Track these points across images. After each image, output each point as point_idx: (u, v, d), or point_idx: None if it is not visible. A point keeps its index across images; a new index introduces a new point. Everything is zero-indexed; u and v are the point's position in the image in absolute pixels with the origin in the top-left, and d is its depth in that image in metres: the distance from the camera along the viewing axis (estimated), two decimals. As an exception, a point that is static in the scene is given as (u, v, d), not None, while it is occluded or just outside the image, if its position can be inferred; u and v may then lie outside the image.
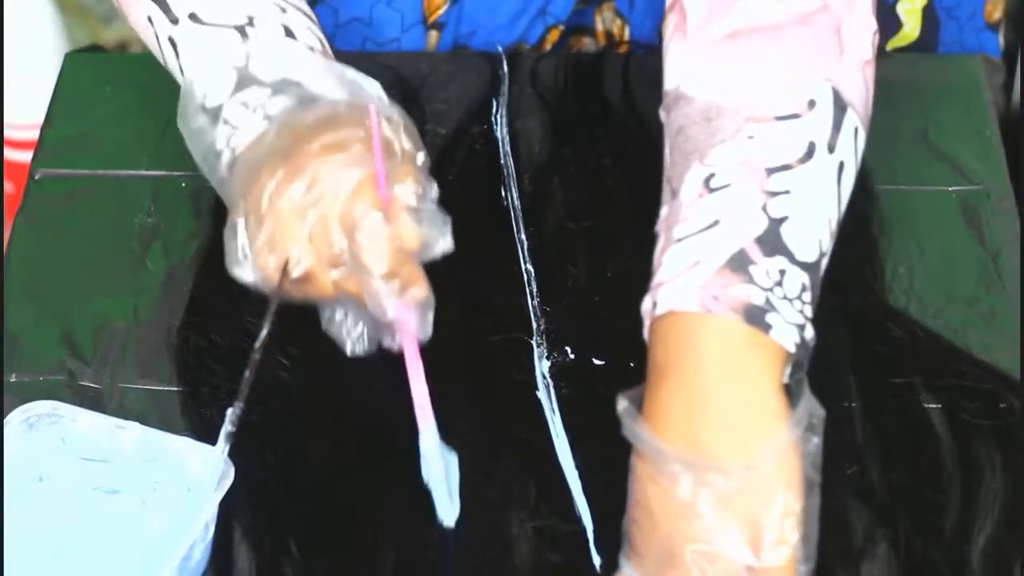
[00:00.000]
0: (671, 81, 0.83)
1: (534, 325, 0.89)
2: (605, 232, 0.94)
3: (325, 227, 0.79)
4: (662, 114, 0.84)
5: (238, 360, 0.82)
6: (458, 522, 0.79)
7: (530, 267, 0.92)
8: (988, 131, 1.00)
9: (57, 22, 1.67)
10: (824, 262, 0.78)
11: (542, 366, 0.87)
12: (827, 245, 0.78)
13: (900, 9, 1.09)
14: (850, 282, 0.90)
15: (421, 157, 0.83)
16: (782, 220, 0.76)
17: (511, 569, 0.78)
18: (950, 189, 0.97)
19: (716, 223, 0.76)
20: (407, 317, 0.80)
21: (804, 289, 0.75)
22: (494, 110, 1.02)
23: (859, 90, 0.80)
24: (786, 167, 0.77)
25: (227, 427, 0.78)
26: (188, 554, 0.75)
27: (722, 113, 0.79)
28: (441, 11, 1.08)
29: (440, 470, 0.79)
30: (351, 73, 0.85)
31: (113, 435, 0.80)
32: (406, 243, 0.80)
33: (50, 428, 0.80)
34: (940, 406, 0.85)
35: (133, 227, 0.96)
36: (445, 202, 0.96)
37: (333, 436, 0.84)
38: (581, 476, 0.81)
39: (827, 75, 0.79)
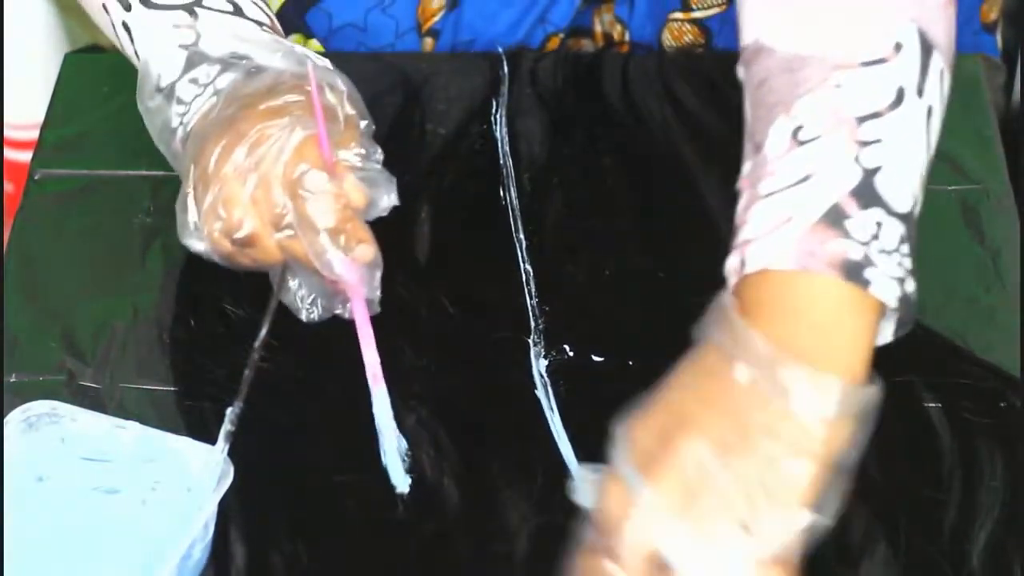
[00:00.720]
0: (749, 35, 0.81)
1: (532, 324, 0.89)
2: (604, 232, 0.94)
3: (267, 188, 0.80)
4: (740, 70, 0.82)
5: (238, 360, 0.82)
6: (458, 521, 0.79)
7: (529, 267, 0.92)
8: (988, 131, 1.00)
9: (57, 22, 1.67)
10: (918, 211, 0.75)
11: (540, 365, 0.87)
12: (920, 194, 0.75)
13: None
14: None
15: (364, 123, 0.84)
16: (876, 170, 0.73)
17: (513, 566, 0.78)
18: (950, 189, 0.97)
19: (807, 177, 0.73)
20: (354, 275, 0.80)
21: (902, 241, 0.73)
22: (494, 110, 1.02)
23: (944, 30, 0.78)
24: (876, 115, 0.74)
25: (227, 427, 0.78)
26: (188, 553, 0.75)
27: (806, 63, 0.76)
28: (437, 18, 1.08)
29: (392, 435, 0.79)
30: (299, 48, 0.86)
31: (113, 435, 0.80)
32: (352, 200, 0.81)
33: (50, 428, 0.80)
34: (940, 405, 0.85)
35: (133, 227, 0.96)
36: (445, 201, 0.97)
37: (330, 436, 0.84)
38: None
39: (912, 15, 0.77)
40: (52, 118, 1.04)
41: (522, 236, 0.94)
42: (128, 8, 0.88)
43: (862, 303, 0.72)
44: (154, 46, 0.87)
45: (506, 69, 1.05)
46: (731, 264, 0.75)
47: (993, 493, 0.80)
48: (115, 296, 0.92)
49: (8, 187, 1.59)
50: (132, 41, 0.89)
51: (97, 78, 1.07)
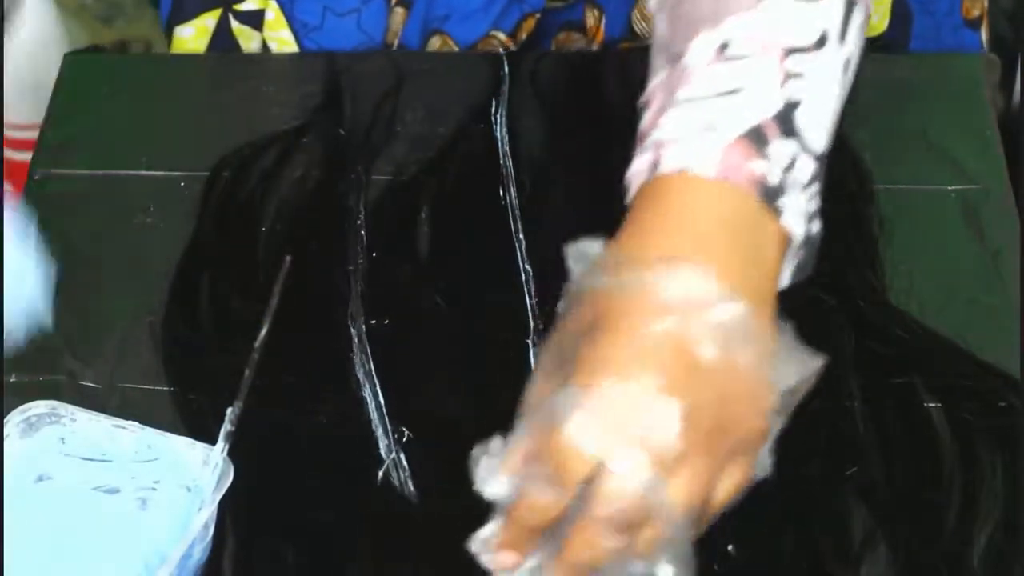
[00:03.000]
0: None
1: (532, 325, 0.89)
2: (605, 232, 0.94)
3: None
4: (652, 1, 0.80)
5: (238, 360, 0.82)
6: (457, 522, 0.79)
7: (528, 267, 0.92)
8: (988, 131, 1.00)
9: (57, 22, 1.66)
10: (824, 161, 0.74)
11: (540, 365, 0.87)
12: (828, 142, 0.74)
13: None
14: (850, 282, 0.90)
15: None
16: (796, 104, 0.72)
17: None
18: (950, 189, 0.97)
19: (734, 91, 0.72)
20: None
21: (813, 179, 0.72)
22: (493, 110, 1.02)
23: None
24: (801, 50, 0.73)
25: (227, 427, 0.78)
26: (188, 553, 0.75)
27: None
28: None
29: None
30: None
31: (113, 435, 0.80)
32: None
33: (50, 428, 0.80)
34: (940, 406, 0.84)
35: (133, 227, 0.96)
36: (445, 201, 0.97)
37: (330, 436, 0.84)
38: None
39: None
40: (52, 118, 1.04)
41: (522, 236, 0.94)
42: None
43: (773, 231, 0.71)
44: None
45: (506, 69, 1.05)
46: (638, 165, 0.73)
47: (993, 494, 0.80)
48: (115, 296, 0.92)
49: (8, 187, 1.59)
50: None
51: (97, 78, 1.07)
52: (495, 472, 0.69)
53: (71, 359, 0.88)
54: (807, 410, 0.77)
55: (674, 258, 0.68)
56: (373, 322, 0.89)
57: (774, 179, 0.71)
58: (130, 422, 0.80)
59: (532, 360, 0.87)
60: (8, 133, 1.57)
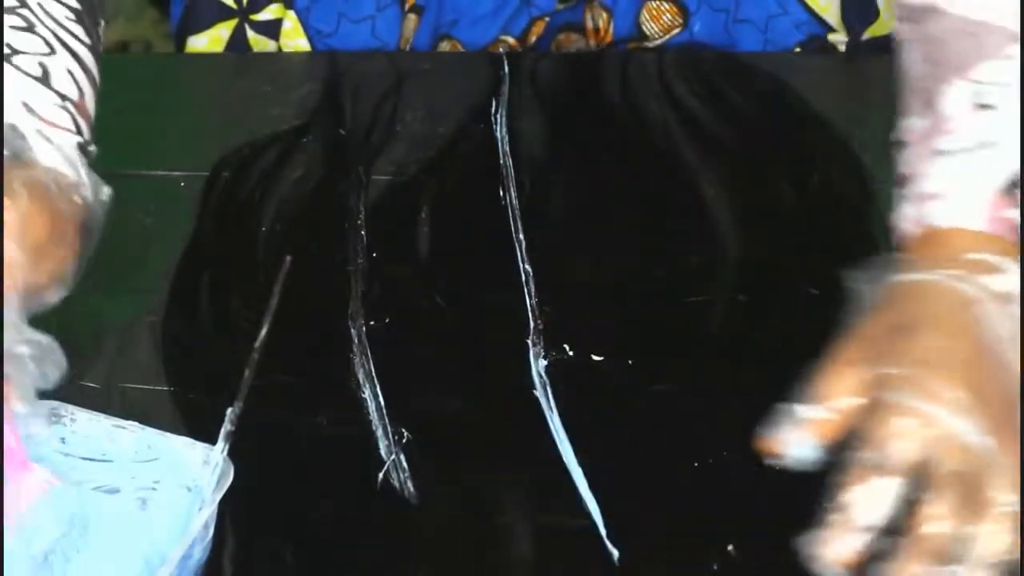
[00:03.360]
0: None
1: (532, 325, 0.89)
2: (604, 232, 0.94)
3: None
4: (902, 27, 0.83)
5: (238, 360, 0.83)
6: (457, 522, 0.79)
7: (528, 267, 0.92)
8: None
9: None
10: None
11: (539, 365, 0.87)
12: None
13: None
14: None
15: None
16: None
17: (514, 567, 0.78)
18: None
19: (991, 144, 0.76)
20: None
21: None
22: (493, 110, 1.02)
23: None
24: None
25: (227, 426, 0.78)
26: (188, 553, 0.75)
27: (986, 28, 0.78)
28: None
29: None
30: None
31: (113, 435, 0.80)
32: None
33: (50, 428, 0.80)
34: (940, 405, 0.85)
35: (133, 227, 0.96)
36: (445, 201, 0.97)
37: (330, 436, 0.84)
38: (584, 473, 0.82)
39: None
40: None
41: (522, 236, 0.94)
42: None
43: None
44: None
45: (506, 69, 1.05)
46: (904, 214, 0.77)
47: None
48: (115, 296, 0.92)
49: (8, 187, 1.59)
50: None
51: (97, 78, 1.07)
52: (804, 436, 0.73)
53: (71, 359, 0.88)
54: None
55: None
56: (373, 322, 0.89)
57: None
58: (130, 422, 0.80)
59: (532, 360, 0.87)
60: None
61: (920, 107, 0.80)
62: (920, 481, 0.70)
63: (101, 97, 1.05)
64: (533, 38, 1.08)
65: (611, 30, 1.08)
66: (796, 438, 0.74)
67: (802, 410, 0.74)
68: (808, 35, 1.08)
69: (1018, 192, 0.75)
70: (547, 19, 1.08)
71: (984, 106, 0.77)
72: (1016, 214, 0.75)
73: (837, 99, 1.02)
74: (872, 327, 0.75)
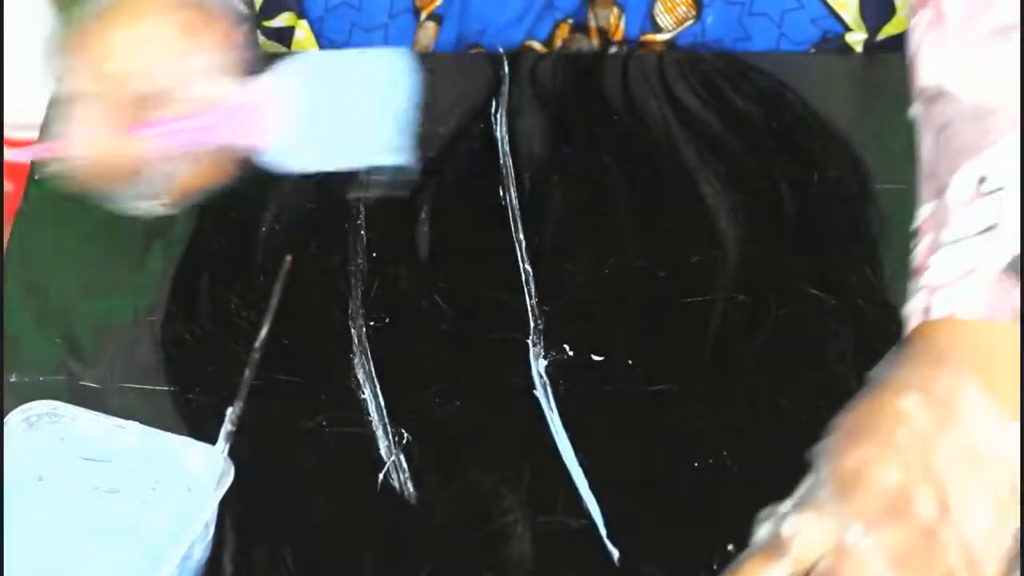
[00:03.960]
0: (931, 78, 0.82)
1: (532, 324, 0.89)
2: (604, 232, 0.94)
3: None
4: (917, 108, 0.83)
5: (238, 360, 0.82)
6: (457, 523, 0.79)
7: (528, 267, 0.92)
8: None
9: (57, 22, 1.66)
10: None
11: (539, 365, 0.87)
12: None
13: None
14: (850, 282, 0.90)
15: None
16: None
17: (514, 567, 0.78)
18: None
19: (991, 228, 0.76)
20: None
21: None
22: (494, 110, 1.02)
23: None
24: None
25: (227, 426, 0.78)
26: (188, 553, 0.75)
27: (993, 114, 0.78)
28: (439, 1, 1.08)
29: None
30: None
31: (113, 435, 0.80)
32: None
33: (50, 428, 0.80)
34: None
35: (133, 227, 0.96)
36: (445, 201, 0.97)
37: (329, 436, 0.84)
38: (584, 473, 0.81)
39: None
40: (52, 118, 1.04)
41: (522, 236, 0.94)
42: None
43: None
44: None
45: (507, 69, 1.05)
46: (914, 306, 0.77)
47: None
48: (115, 296, 0.92)
49: (8, 187, 1.59)
50: None
51: (97, 78, 1.06)
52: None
53: (71, 359, 0.88)
54: (811, 411, 0.77)
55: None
56: (373, 322, 0.89)
57: None
58: (130, 422, 0.80)
59: (532, 360, 0.87)
60: (8, 133, 1.57)
61: (931, 194, 0.80)
62: None
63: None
64: (559, 41, 1.09)
65: (621, 26, 1.08)
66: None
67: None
68: (824, 31, 1.08)
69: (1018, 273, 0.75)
70: (570, 21, 1.08)
71: (990, 192, 0.77)
72: (1017, 295, 0.74)
73: (842, 99, 1.02)
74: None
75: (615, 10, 1.08)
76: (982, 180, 0.77)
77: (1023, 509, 0.71)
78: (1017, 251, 0.75)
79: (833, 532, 0.70)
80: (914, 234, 0.80)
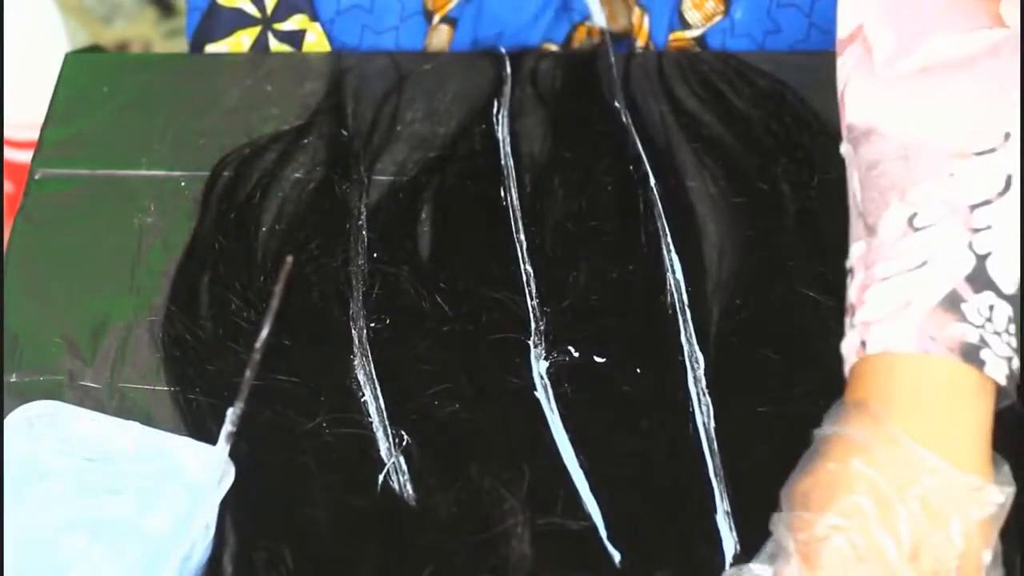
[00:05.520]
0: (859, 116, 0.82)
1: (533, 325, 0.89)
2: (605, 233, 0.94)
3: None
4: (846, 148, 0.83)
5: (238, 360, 0.82)
6: (457, 523, 0.79)
7: (529, 267, 0.92)
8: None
9: (57, 22, 1.67)
10: (1018, 297, 0.77)
11: (540, 366, 0.87)
12: (1019, 276, 0.77)
13: None
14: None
15: None
16: (987, 256, 0.76)
17: (514, 568, 0.78)
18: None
19: (924, 263, 0.76)
20: None
21: (1010, 321, 0.76)
22: (495, 110, 1.02)
23: None
24: (987, 202, 0.76)
25: (227, 427, 0.78)
26: (188, 553, 0.75)
27: (922, 151, 0.78)
28: (452, 4, 1.08)
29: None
30: None
31: (113, 435, 0.80)
32: None
33: (50, 428, 0.80)
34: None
35: (133, 227, 0.96)
36: (445, 201, 0.97)
37: (329, 436, 0.84)
38: (585, 474, 0.81)
39: (1013, 101, 0.78)
40: (52, 118, 1.04)
41: (522, 236, 0.94)
42: None
43: (977, 383, 0.74)
44: None
45: (508, 70, 1.05)
46: (849, 343, 0.77)
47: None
48: (115, 296, 0.92)
49: (8, 187, 1.59)
50: None
51: (97, 78, 1.07)
52: None
53: (71, 359, 0.89)
54: (811, 413, 0.77)
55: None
56: (373, 323, 0.89)
57: (973, 337, 0.74)
58: (130, 422, 0.80)
59: (533, 361, 0.87)
60: (8, 133, 1.57)
61: (861, 233, 0.80)
62: None
63: (101, 97, 1.05)
64: (576, 44, 1.09)
65: (645, 26, 1.08)
66: None
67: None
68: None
69: (964, 304, 0.74)
70: (588, 24, 1.08)
71: (920, 228, 0.76)
72: (961, 328, 0.74)
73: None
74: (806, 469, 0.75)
75: (637, 10, 1.08)
76: (913, 217, 0.77)
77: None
78: (953, 286, 0.75)
79: None
80: (847, 273, 0.79)
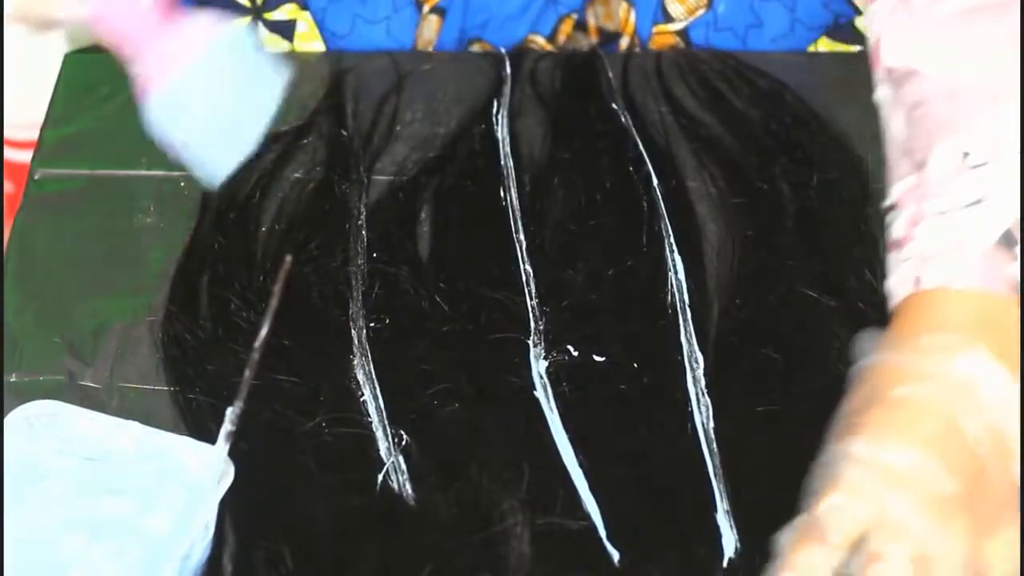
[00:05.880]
0: (898, 58, 0.83)
1: (532, 325, 0.89)
2: (604, 233, 0.94)
3: None
4: (883, 92, 0.84)
5: (238, 360, 0.82)
6: (457, 523, 0.79)
7: (529, 267, 0.92)
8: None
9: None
10: None
11: (539, 366, 0.87)
12: None
13: None
14: (850, 282, 0.90)
15: None
16: None
17: (513, 568, 0.78)
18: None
19: (979, 201, 0.76)
20: None
21: None
22: (494, 110, 1.02)
23: None
24: None
25: (227, 427, 0.78)
26: (188, 553, 0.75)
27: (965, 91, 0.79)
28: None
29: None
30: None
31: (113, 435, 0.80)
32: None
33: (50, 428, 0.80)
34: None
35: (133, 227, 0.96)
36: (445, 201, 0.97)
37: (329, 436, 0.84)
38: (584, 474, 0.82)
39: None
40: (52, 118, 1.04)
41: (522, 236, 0.94)
42: None
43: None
44: None
45: (508, 70, 1.05)
46: (900, 278, 0.77)
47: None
48: (115, 296, 0.92)
49: (8, 187, 1.59)
50: None
51: (97, 78, 1.07)
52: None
53: (71, 359, 0.89)
54: (811, 412, 0.77)
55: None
56: (373, 323, 0.89)
57: None
58: (130, 422, 0.80)
59: (532, 361, 0.87)
60: (8, 133, 1.57)
61: (908, 170, 0.80)
62: (858, 558, 0.69)
63: (101, 97, 1.05)
64: (563, 37, 1.09)
65: (631, 20, 1.08)
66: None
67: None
68: (836, 14, 1.08)
69: (1018, 248, 0.75)
70: (575, 16, 1.08)
71: (975, 166, 0.77)
72: (1015, 267, 0.74)
73: (842, 99, 1.02)
74: (848, 404, 0.75)
75: (624, 4, 1.08)
76: (966, 155, 0.77)
77: None
78: (1008, 225, 0.75)
79: (870, 505, 0.69)
80: (888, 210, 0.79)
